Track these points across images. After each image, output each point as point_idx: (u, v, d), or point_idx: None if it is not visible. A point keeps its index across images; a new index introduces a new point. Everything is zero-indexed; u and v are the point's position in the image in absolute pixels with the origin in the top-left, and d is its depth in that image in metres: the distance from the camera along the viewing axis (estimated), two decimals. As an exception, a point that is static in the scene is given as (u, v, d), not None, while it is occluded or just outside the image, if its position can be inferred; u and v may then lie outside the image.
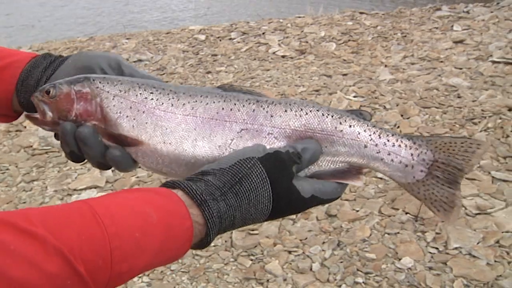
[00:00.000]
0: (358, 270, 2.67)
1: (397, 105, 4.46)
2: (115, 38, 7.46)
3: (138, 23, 10.45)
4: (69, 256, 0.65)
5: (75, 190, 3.62)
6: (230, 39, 6.99)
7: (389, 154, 0.98)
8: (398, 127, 4.09)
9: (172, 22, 10.43)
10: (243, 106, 0.99)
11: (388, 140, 0.98)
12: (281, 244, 2.91)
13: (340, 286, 2.59)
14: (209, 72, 5.83)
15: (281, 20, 7.62)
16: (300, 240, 2.94)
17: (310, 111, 0.99)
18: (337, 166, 0.99)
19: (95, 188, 3.59)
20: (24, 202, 3.55)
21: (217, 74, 5.76)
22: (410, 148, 0.99)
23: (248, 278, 2.69)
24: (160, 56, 6.47)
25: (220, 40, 6.95)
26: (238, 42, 6.81)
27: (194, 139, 0.98)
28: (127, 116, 0.99)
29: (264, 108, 0.99)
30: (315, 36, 6.70)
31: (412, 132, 3.98)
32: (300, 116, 0.98)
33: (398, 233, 2.92)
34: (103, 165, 0.99)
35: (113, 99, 1.00)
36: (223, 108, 0.99)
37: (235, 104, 0.99)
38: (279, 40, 6.69)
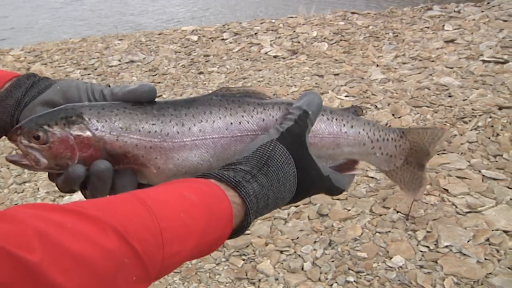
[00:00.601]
0: (349, 269, 2.68)
1: (388, 105, 4.48)
2: (107, 39, 7.45)
3: (133, 25, 10.43)
4: (125, 234, 0.66)
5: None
6: (223, 39, 6.99)
7: (380, 148, 1.08)
8: (390, 126, 4.11)
9: (168, 23, 10.42)
10: (252, 117, 0.98)
11: (380, 136, 1.07)
12: (272, 244, 2.91)
13: (331, 285, 2.60)
14: (201, 73, 5.83)
15: (273, 21, 7.63)
16: (292, 239, 2.94)
17: None
18: (337, 163, 1.05)
19: (87, 189, 3.59)
20: (16, 204, 3.55)
21: (209, 74, 5.76)
22: (395, 141, 1.09)
23: (240, 278, 2.69)
24: (153, 57, 6.46)
25: (213, 41, 6.96)
26: (231, 43, 6.81)
27: (208, 162, 0.95)
28: (135, 154, 0.92)
29: (273, 117, 0.98)
30: (307, 36, 6.71)
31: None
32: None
33: (389, 232, 2.93)
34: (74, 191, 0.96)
35: (117, 140, 0.91)
36: (231, 123, 0.96)
37: (242, 116, 0.97)
38: (271, 41, 6.70)
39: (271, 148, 0.89)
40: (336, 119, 1.02)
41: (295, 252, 2.85)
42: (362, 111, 1.08)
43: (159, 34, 7.50)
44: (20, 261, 0.55)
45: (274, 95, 4.87)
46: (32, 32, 10.37)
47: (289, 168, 0.90)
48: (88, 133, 0.90)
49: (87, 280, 0.61)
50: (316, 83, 5.12)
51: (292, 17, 7.71)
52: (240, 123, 0.97)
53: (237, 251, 2.88)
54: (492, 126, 3.91)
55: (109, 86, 0.99)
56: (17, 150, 0.93)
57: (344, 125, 1.02)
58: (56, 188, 3.19)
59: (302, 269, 2.72)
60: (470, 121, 4.04)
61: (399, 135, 1.09)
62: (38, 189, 3.71)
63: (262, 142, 0.91)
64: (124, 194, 0.75)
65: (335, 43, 6.40)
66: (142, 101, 0.95)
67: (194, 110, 0.96)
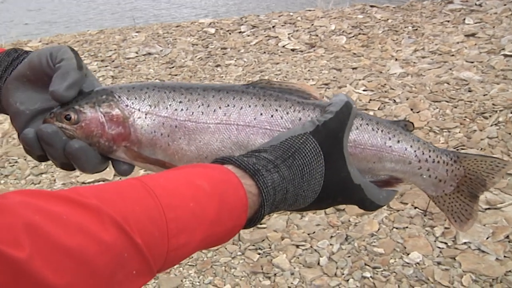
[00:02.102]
0: (366, 264, 2.66)
1: (407, 99, 4.43)
2: (124, 31, 7.46)
3: (148, 17, 10.44)
4: (125, 226, 0.62)
5: (83, 183, 3.63)
6: (240, 32, 6.96)
7: (428, 170, 0.99)
8: (400, 120, 4.05)
9: (183, 16, 10.42)
10: (287, 113, 0.92)
11: (429, 156, 0.98)
12: (288, 238, 2.89)
13: (347, 280, 2.58)
14: (218, 66, 5.81)
15: (291, 14, 7.58)
16: (308, 234, 2.92)
17: (361, 124, 0.94)
18: (378, 178, 0.98)
19: (103, 181, 3.59)
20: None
21: (226, 67, 5.74)
22: (447, 165, 1.00)
23: (256, 272, 2.68)
24: (170, 49, 6.46)
25: (230, 34, 6.93)
26: (248, 36, 6.79)
27: (230, 150, 0.91)
28: (161, 134, 0.91)
29: (311, 118, 0.92)
30: (325, 29, 6.66)
31: (422, 126, 3.95)
32: (351, 130, 0.93)
33: (406, 227, 2.90)
34: (66, 165, 0.92)
35: (145, 118, 0.91)
36: (261, 114, 0.92)
37: (276, 110, 0.92)
38: (289, 34, 6.66)
39: (301, 140, 0.84)
40: (382, 131, 0.95)
41: (311, 246, 2.83)
42: (413, 126, 1.01)
43: (177, 26, 7.50)
44: (6, 257, 0.52)
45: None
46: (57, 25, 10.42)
47: (317, 165, 0.84)
48: (117, 111, 0.91)
49: (82, 276, 0.57)
50: (334, 77, 5.08)
51: (310, 10, 7.66)
52: (272, 116, 0.92)
53: (253, 245, 2.87)
54: (513, 121, 3.85)
55: (72, 50, 0.93)
56: None
57: (389, 138, 0.96)
58: (73, 180, 3.20)
59: (318, 264, 2.70)
60: (490, 116, 3.98)
61: (452, 159, 1.00)
62: (54, 180, 3.73)
63: (294, 133, 0.86)
64: (131, 180, 0.71)
65: (353, 36, 6.34)
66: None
67: (223, 94, 0.93)
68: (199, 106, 0.92)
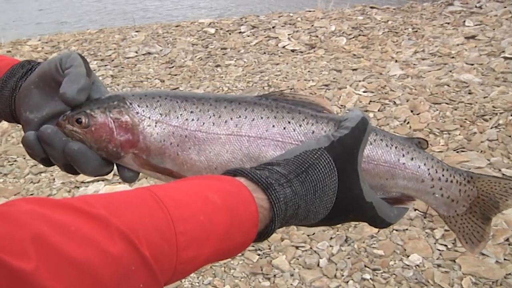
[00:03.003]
0: (365, 266, 2.65)
1: (407, 101, 4.43)
2: (124, 30, 7.45)
3: (151, 15, 10.44)
4: (134, 239, 0.61)
5: (82, 182, 3.62)
6: (240, 32, 6.96)
7: (440, 189, 0.98)
8: (408, 122, 4.06)
9: (184, 15, 10.42)
10: (300, 126, 0.92)
11: (443, 175, 0.97)
12: (288, 239, 2.89)
13: (347, 282, 2.57)
14: (218, 66, 5.81)
15: (291, 14, 7.58)
16: (308, 235, 2.92)
17: (375, 140, 0.94)
18: (389, 195, 0.97)
19: (103, 181, 3.59)
20: (32, 194, 3.56)
21: (226, 67, 5.74)
22: (460, 184, 0.98)
23: (255, 273, 2.67)
24: (169, 49, 6.45)
25: (230, 34, 6.93)
26: (248, 36, 6.78)
27: (241, 162, 0.90)
28: (171, 143, 0.91)
29: (325, 131, 0.91)
30: (325, 30, 6.65)
31: (422, 128, 3.95)
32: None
33: (406, 229, 2.90)
34: (70, 168, 0.92)
35: (155, 126, 0.91)
36: (273, 126, 0.91)
37: (289, 122, 0.91)
38: (289, 34, 6.66)
39: (316, 156, 0.83)
40: (396, 147, 0.95)
41: (311, 248, 2.82)
42: (427, 144, 1.00)
43: (176, 26, 7.49)
44: (12, 269, 0.51)
45: (291, 89, 4.84)
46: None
47: (330, 182, 0.83)
48: (126, 117, 0.91)
49: (84, 287, 0.56)
50: (334, 78, 5.08)
51: (310, 11, 7.65)
52: (284, 128, 0.91)
53: (253, 246, 2.86)
54: (513, 124, 3.85)
55: (81, 57, 0.94)
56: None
57: (403, 155, 0.95)
58: (72, 180, 3.19)
59: (318, 265, 2.70)
60: (490, 118, 3.98)
61: (466, 179, 0.99)
62: (54, 179, 3.72)
63: (308, 148, 0.84)
64: (141, 190, 0.70)
65: (353, 37, 6.34)
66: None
67: (235, 105, 0.92)
68: (210, 117, 0.91)
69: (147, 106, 0.92)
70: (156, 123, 0.91)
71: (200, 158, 0.90)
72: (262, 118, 0.91)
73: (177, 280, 0.70)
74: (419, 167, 0.95)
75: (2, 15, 11.18)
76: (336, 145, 0.84)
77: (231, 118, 0.91)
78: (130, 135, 0.91)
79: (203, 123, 0.91)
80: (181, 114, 0.91)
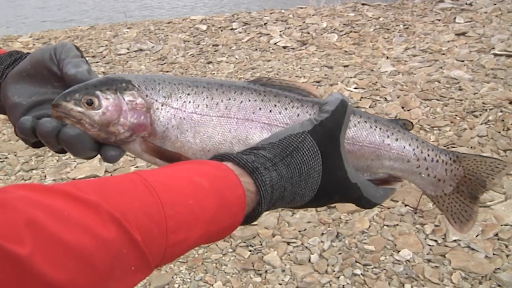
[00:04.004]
0: (356, 261, 2.67)
1: (398, 97, 4.45)
2: (116, 27, 7.44)
3: (140, 12, 10.41)
4: (125, 223, 0.62)
5: (74, 179, 3.62)
6: (232, 29, 6.96)
7: (426, 169, 0.99)
8: (399, 119, 4.07)
9: (176, 12, 10.39)
10: (285, 109, 0.93)
11: (428, 155, 0.99)
12: (280, 235, 2.90)
13: (338, 277, 2.59)
14: (210, 62, 5.81)
15: (283, 11, 7.59)
16: (299, 231, 2.93)
17: (359, 122, 0.95)
18: (376, 176, 0.98)
19: (94, 177, 3.59)
20: (23, 191, 3.54)
21: (218, 64, 5.74)
22: (446, 164, 1.00)
23: (247, 269, 2.68)
24: (161, 46, 6.44)
25: (222, 30, 6.93)
26: (240, 33, 6.78)
27: (230, 144, 0.91)
28: (172, 126, 0.91)
29: (310, 115, 0.93)
30: (316, 27, 6.67)
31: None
32: (348, 127, 0.93)
33: (397, 225, 2.91)
34: (61, 150, 0.91)
35: (161, 109, 0.91)
36: (260, 108, 0.92)
37: (275, 105, 0.93)
38: (280, 31, 6.67)
39: (300, 139, 0.85)
40: (380, 129, 0.96)
41: (302, 244, 2.84)
42: (412, 126, 1.01)
43: (168, 23, 7.48)
44: (8, 254, 0.52)
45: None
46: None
47: (314, 164, 0.85)
48: (140, 100, 0.89)
49: (81, 272, 0.58)
50: (325, 75, 5.09)
51: (302, 8, 7.67)
52: (270, 111, 0.92)
53: (244, 242, 2.87)
54: (502, 120, 3.88)
55: (77, 48, 0.94)
56: None
57: (388, 136, 0.96)
58: (63, 177, 3.18)
59: (309, 261, 2.71)
60: (480, 115, 4.01)
61: (452, 158, 1.00)
62: (45, 176, 3.72)
63: (292, 131, 0.86)
64: (131, 175, 0.71)
65: (345, 34, 6.36)
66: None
67: (225, 88, 0.93)
68: (204, 99, 0.92)
69: (152, 89, 0.91)
70: (162, 105, 0.90)
71: (196, 140, 0.91)
72: (249, 101, 0.92)
73: (167, 262, 0.71)
74: (404, 147, 0.97)
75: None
76: (318, 128, 0.87)
77: (222, 100, 0.92)
78: (143, 118, 0.90)
79: (198, 105, 0.91)
80: (180, 97, 0.91)
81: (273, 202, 0.83)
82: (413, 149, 0.97)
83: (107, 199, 0.63)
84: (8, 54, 0.99)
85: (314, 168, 0.85)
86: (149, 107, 0.90)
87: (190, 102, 0.91)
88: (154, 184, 0.69)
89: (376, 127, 0.96)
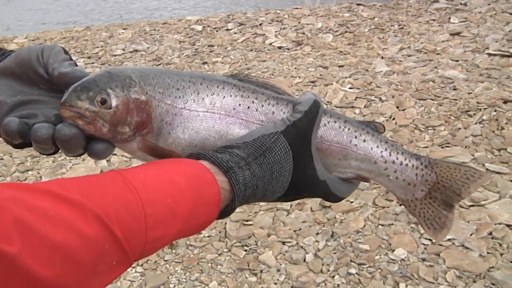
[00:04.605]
0: (351, 261, 2.68)
1: (392, 97, 4.46)
2: (111, 28, 7.43)
3: (136, 13, 10.41)
4: (107, 220, 0.65)
5: (69, 180, 3.61)
6: (227, 29, 6.96)
7: (395, 172, 0.99)
8: (394, 118, 4.10)
9: (171, 12, 10.39)
10: (262, 106, 0.95)
11: (397, 158, 0.99)
12: (275, 235, 2.91)
13: (333, 277, 2.60)
14: (205, 63, 5.81)
15: (278, 11, 7.59)
16: (294, 231, 2.94)
17: (328, 122, 0.97)
18: (345, 175, 1.00)
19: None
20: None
21: (213, 64, 5.74)
22: (416, 168, 0.99)
23: (242, 268, 2.69)
24: (157, 47, 6.44)
25: (217, 31, 6.93)
26: (235, 33, 6.79)
27: (214, 139, 0.93)
28: (166, 122, 0.90)
29: (284, 113, 0.95)
30: (312, 27, 6.68)
31: (407, 124, 3.98)
32: (318, 128, 0.96)
33: (391, 224, 2.93)
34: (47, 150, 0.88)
35: (158, 106, 0.90)
36: (239, 104, 0.94)
37: (253, 102, 0.95)
38: (275, 31, 6.67)
39: (273, 139, 0.88)
40: (349, 129, 0.97)
41: (297, 243, 2.85)
42: (384, 129, 1.02)
43: (164, 23, 7.48)
44: None
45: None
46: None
47: (286, 163, 0.89)
48: (143, 97, 0.88)
49: (68, 269, 0.60)
50: (320, 75, 5.10)
51: (297, 8, 7.67)
52: (248, 107, 0.94)
53: (239, 242, 2.88)
54: (496, 119, 3.90)
55: (65, 52, 0.91)
56: None
57: (356, 137, 0.97)
58: (59, 177, 3.18)
59: (304, 260, 2.72)
60: (474, 114, 4.02)
61: (423, 163, 0.99)
62: (41, 177, 3.72)
63: (266, 131, 0.89)
64: (112, 174, 0.74)
65: (340, 34, 6.37)
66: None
67: (208, 82, 0.94)
68: (191, 94, 0.92)
69: (150, 85, 0.89)
70: (158, 102, 0.90)
71: (185, 136, 0.91)
72: (231, 96, 0.94)
73: (146, 256, 0.75)
74: (371, 149, 0.98)
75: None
76: (290, 129, 0.90)
77: (207, 95, 0.93)
78: (145, 115, 0.88)
79: (187, 100, 0.92)
80: (171, 92, 0.91)
81: (246, 199, 0.87)
82: (381, 151, 0.98)
83: (90, 198, 0.66)
84: None
85: (285, 167, 0.89)
86: (150, 105, 0.88)
87: (180, 97, 0.92)
88: (134, 183, 0.72)
89: (345, 127, 0.97)
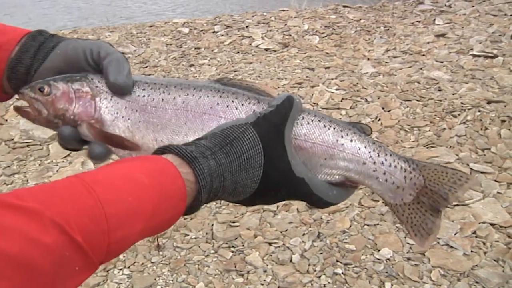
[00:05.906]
0: (337, 261, 2.70)
1: (378, 98, 4.49)
2: (98, 31, 7.41)
3: (123, 17, 10.39)
4: (65, 226, 0.63)
5: (56, 183, 3.60)
6: (214, 32, 6.97)
7: (384, 174, 0.97)
8: (379, 119, 4.13)
9: (157, 15, 10.38)
10: (242, 104, 0.95)
11: (385, 160, 0.97)
12: (261, 236, 2.92)
13: (319, 277, 2.62)
14: (192, 65, 5.82)
15: (264, 14, 7.62)
16: (281, 232, 2.95)
17: (312, 120, 0.95)
18: (332, 178, 0.97)
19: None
20: (5, 196, 3.52)
21: (200, 67, 5.75)
22: (405, 171, 0.97)
23: (229, 270, 2.70)
24: (143, 49, 6.44)
25: (204, 33, 6.94)
26: (222, 35, 6.80)
27: (185, 134, 0.95)
28: (122, 117, 0.97)
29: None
30: (298, 29, 6.71)
31: (393, 124, 4.01)
32: (301, 125, 0.95)
33: (377, 224, 2.95)
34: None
35: (111, 99, 0.98)
36: (218, 104, 0.95)
37: (232, 101, 0.96)
38: (262, 33, 6.69)
39: (241, 130, 0.87)
40: (334, 129, 0.95)
41: (283, 244, 2.86)
42: (371, 130, 1.00)
43: (150, 26, 7.47)
44: None
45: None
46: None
47: (255, 154, 0.86)
48: (87, 88, 0.98)
49: (27, 279, 0.59)
50: (306, 76, 5.13)
51: (283, 10, 7.70)
52: (227, 106, 0.95)
53: (226, 243, 2.89)
54: (480, 120, 3.94)
55: (110, 45, 1.01)
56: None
57: (342, 136, 0.95)
58: (46, 180, 3.16)
59: (291, 261, 2.73)
60: (459, 115, 4.06)
61: (411, 166, 0.97)
62: (27, 180, 3.70)
63: (236, 123, 0.88)
64: (70, 178, 0.73)
65: (326, 36, 6.40)
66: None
67: (184, 85, 0.99)
68: (160, 94, 0.98)
69: (105, 82, 0.98)
70: (112, 96, 0.98)
71: (148, 130, 0.97)
72: (208, 96, 0.96)
73: (113, 257, 0.74)
74: (359, 149, 0.96)
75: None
76: (261, 121, 0.89)
77: (179, 95, 0.97)
78: (88, 105, 0.98)
79: (153, 99, 0.97)
80: (133, 91, 0.98)
81: (214, 192, 0.84)
82: (369, 152, 0.96)
83: (47, 205, 0.65)
84: (31, 38, 1.02)
85: (255, 158, 0.86)
86: (95, 96, 0.98)
87: (144, 96, 0.98)
88: (93, 185, 0.71)
89: (330, 126, 0.96)
